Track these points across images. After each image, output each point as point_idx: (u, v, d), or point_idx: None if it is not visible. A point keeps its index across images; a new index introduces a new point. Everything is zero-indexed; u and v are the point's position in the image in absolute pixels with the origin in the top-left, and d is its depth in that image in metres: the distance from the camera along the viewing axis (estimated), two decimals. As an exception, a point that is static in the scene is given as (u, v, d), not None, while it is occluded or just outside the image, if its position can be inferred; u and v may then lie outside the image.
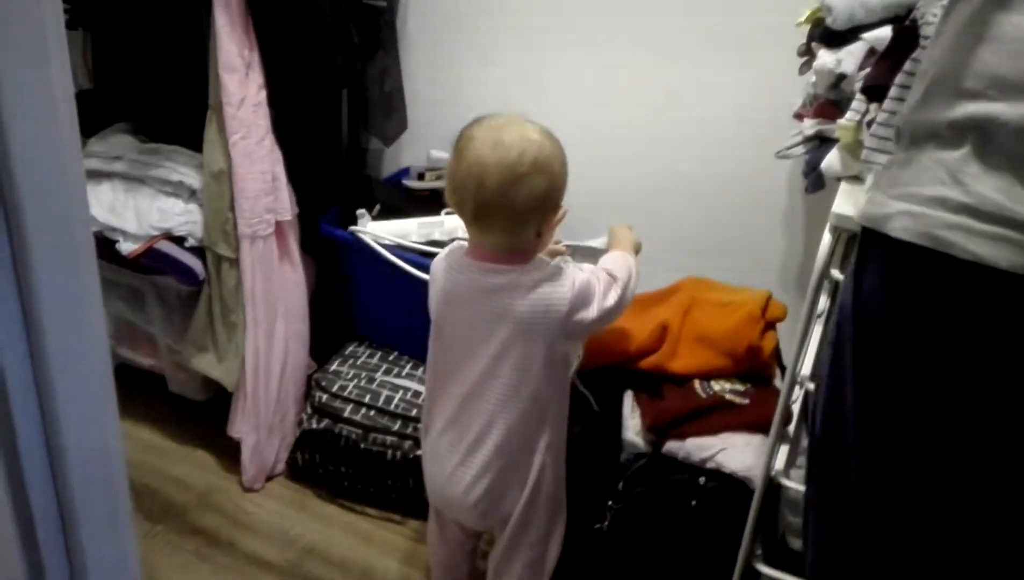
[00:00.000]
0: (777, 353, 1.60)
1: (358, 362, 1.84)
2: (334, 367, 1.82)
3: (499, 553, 1.34)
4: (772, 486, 1.37)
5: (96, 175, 1.74)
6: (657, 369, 1.52)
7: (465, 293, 1.23)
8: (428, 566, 1.52)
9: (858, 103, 1.25)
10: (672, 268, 1.75)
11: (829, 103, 1.44)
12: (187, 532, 1.68)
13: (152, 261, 1.70)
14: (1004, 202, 0.70)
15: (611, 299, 1.24)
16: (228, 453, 1.82)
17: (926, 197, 0.74)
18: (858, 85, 1.30)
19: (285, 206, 1.70)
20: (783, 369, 1.65)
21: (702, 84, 1.76)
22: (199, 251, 1.71)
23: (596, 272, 1.26)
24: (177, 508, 1.73)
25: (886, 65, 1.13)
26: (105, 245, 1.69)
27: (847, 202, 1.22)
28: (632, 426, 1.52)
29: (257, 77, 1.57)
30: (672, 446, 1.45)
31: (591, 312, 1.21)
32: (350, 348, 1.89)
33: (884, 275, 0.79)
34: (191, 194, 1.72)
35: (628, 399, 1.57)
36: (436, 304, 1.28)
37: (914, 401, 0.78)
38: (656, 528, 1.45)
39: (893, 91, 1.08)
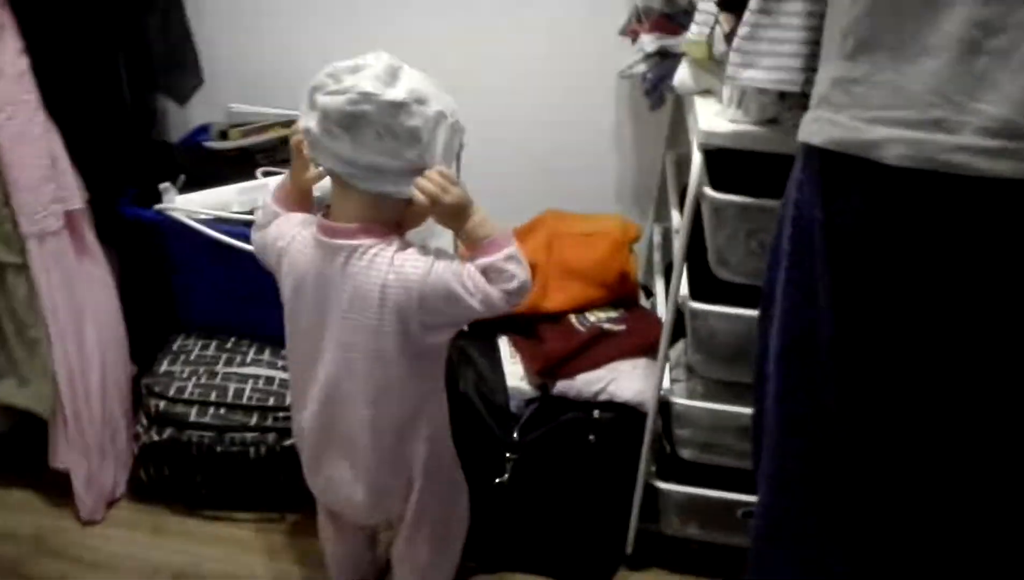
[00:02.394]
0: (634, 273, 1.61)
1: (191, 357, 1.62)
2: (164, 367, 1.60)
3: (400, 542, 1.26)
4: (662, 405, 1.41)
5: None
6: (530, 310, 1.48)
7: (314, 273, 1.09)
8: (322, 560, 1.40)
9: (705, 16, 1.24)
10: (517, 203, 1.69)
11: (664, 17, 1.43)
12: (26, 588, 1.43)
13: (-91, 282, 1.38)
14: (1010, 115, 0.70)
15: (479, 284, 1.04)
16: (54, 487, 1.56)
17: (920, 121, 0.73)
18: (696, -3, 1.29)
19: (73, 192, 1.44)
20: (643, 288, 1.68)
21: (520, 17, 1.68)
22: (-30, 261, 1.41)
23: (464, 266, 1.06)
24: (7, 563, 1.47)
25: (740, -26, 1.12)
26: None
27: (710, 118, 1.22)
28: (514, 372, 1.47)
29: (14, 41, 1.29)
30: (562, 386, 1.42)
31: (462, 295, 1.03)
32: (177, 342, 1.66)
33: (869, 197, 0.78)
34: (-55, 193, 1.40)
35: (504, 345, 1.52)
36: (286, 287, 1.13)
37: (897, 303, 0.80)
38: (557, 469, 1.43)
39: (754, 3, 1.07)
